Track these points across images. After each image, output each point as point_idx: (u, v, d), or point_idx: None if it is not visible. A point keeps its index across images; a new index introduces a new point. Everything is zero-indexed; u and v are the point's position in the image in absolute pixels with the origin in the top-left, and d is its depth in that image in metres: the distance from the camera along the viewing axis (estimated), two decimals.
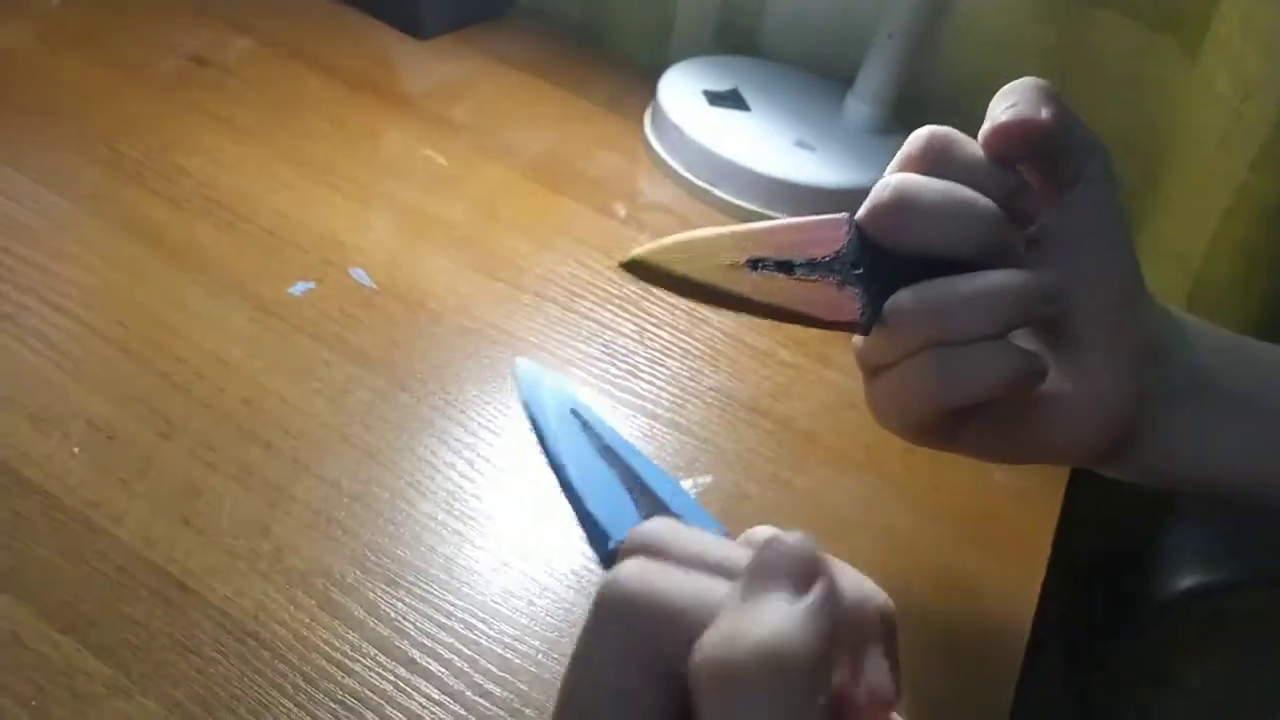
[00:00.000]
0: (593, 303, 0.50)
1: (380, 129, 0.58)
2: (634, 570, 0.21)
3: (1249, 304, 0.48)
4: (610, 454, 0.27)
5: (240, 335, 0.43)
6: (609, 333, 0.48)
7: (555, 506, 0.39)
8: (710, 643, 0.19)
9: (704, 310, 0.51)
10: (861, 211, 0.31)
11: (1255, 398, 0.35)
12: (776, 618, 0.18)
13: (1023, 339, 0.33)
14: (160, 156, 0.51)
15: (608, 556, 0.25)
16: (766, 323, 0.51)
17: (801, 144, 0.60)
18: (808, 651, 0.18)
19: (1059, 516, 0.45)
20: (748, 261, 0.30)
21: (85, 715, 0.29)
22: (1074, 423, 0.33)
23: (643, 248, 0.30)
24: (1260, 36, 0.45)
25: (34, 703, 0.29)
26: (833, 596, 0.19)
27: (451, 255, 0.50)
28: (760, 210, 0.58)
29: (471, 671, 0.33)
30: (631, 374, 0.47)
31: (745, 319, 0.51)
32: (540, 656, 0.34)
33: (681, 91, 0.62)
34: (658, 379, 0.47)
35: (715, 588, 0.20)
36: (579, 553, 0.38)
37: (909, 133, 0.66)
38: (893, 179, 0.31)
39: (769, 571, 0.19)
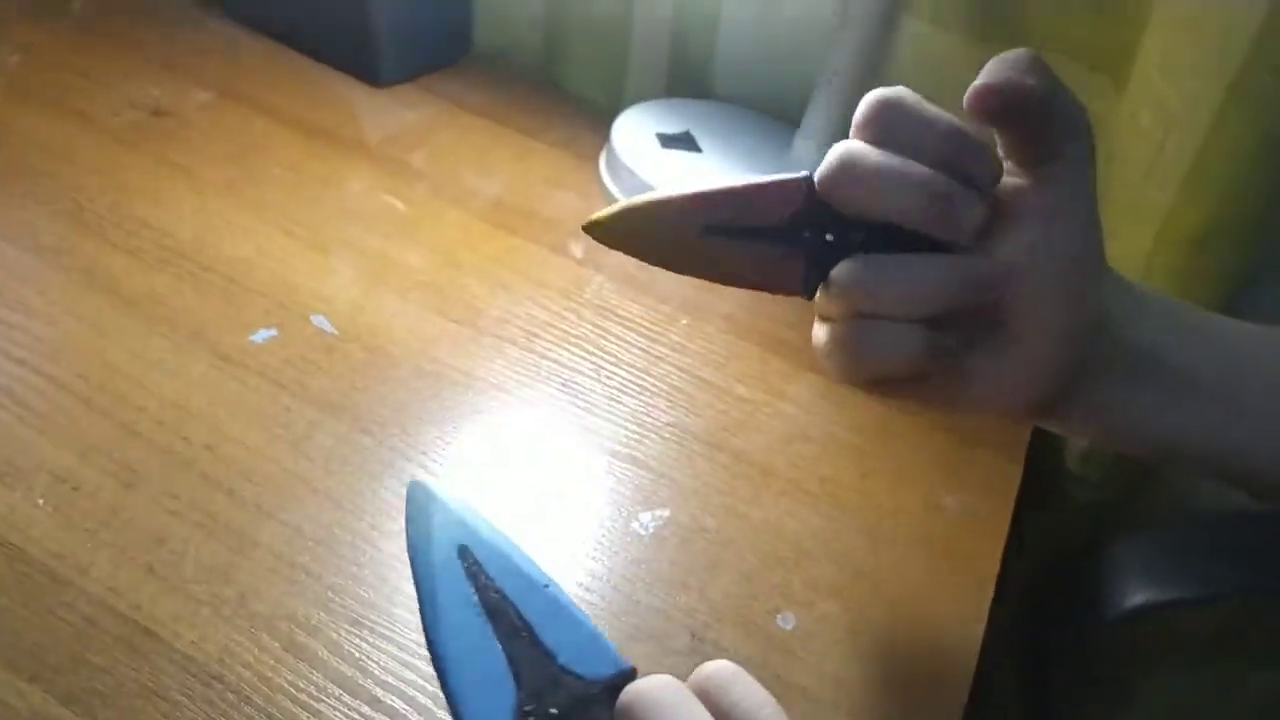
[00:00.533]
0: (550, 342, 0.51)
1: (339, 176, 0.59)
2: None
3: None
4: (500, 609, 0.26)
5: (202, 383, 0.44)
6: (567, 371, 0.50)
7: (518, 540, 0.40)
8: None
9: (660, 348, 0.53)
10: (815, 174, 0.32)
11: (1197, 374, 0.35)
12: None
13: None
14: (121, 208, 0.52)
15: None
16: (721, 359, 0.53)
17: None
18: None
19: (1006, 538, 0.47)
20: (702, 228, 0.31)
21: None
22: (999, 395, 0.34)
23: (603, 211, 0.32)
24: (1177, 75, 0.47)
25: None
26: None
27: (411, 299, 0.51)
28: None
29: (434, 707, 0.34)
30: (589, 411, 0.48)
31: (700, 349, 0.52)
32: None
33: (635, 134, 0.64)
34: (615, 416, 0.48)
35: None
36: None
37: None
38: (840, 145, 0.31)
39: None
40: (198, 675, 0.33)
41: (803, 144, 0.64)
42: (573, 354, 0.51)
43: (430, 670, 0.35)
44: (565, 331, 0.52)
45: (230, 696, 0.33)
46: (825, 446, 0.49)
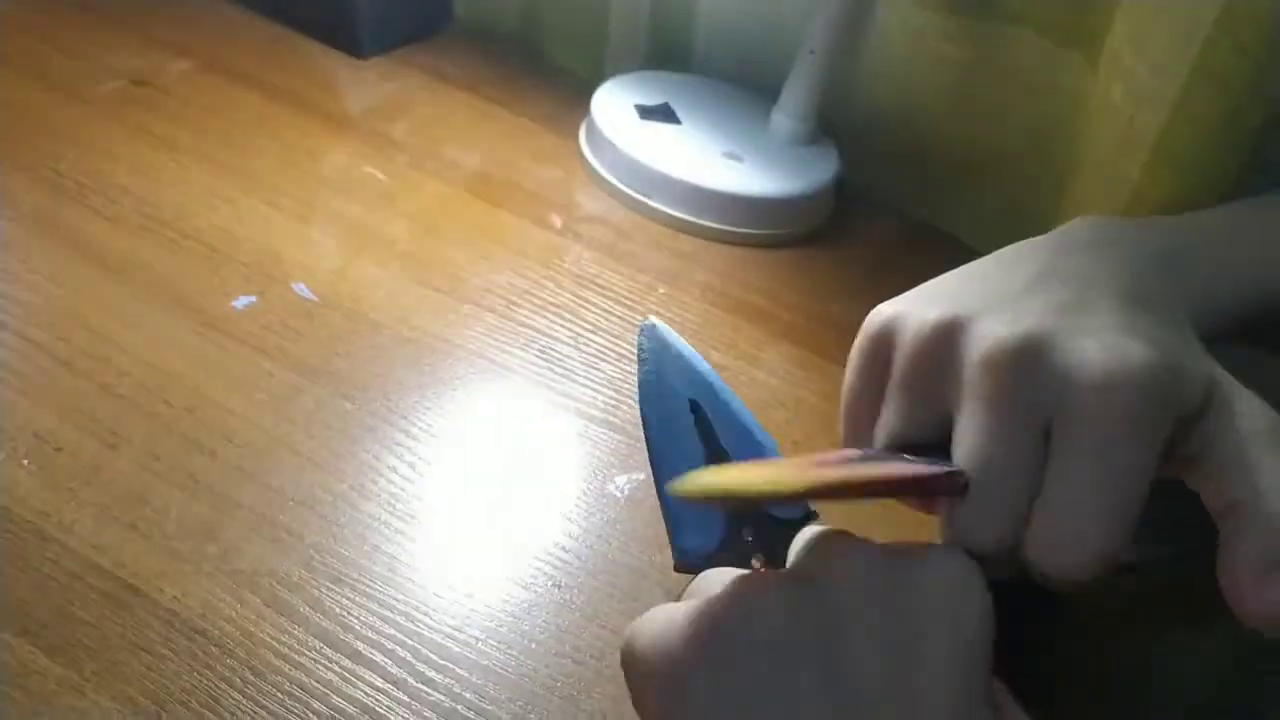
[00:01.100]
0: (530, 310, 0.52)
1: (320, 147, 0.59)
2: None
3: None
4: (715, 448, 0.29)
5: (183, 348, 0.44)
6: (545, 338, 0.50)
7: (492, 506, 0.41)
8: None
9: (638, 316, 0.53)
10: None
11: None
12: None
13: None
14: (101, 176, 0.52)
15: (675, 565, 0.30)
16: (697, 326, 0.54)
17: (730, 155, 0.63)
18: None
19: None
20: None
21: (40, 713, 0.31)
22: None
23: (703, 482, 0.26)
24: (1147, 53, 0.48)
25: None
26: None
27: (392, 268, 0.52)
28: (691, 219, 0.60)
29: (414, 660, 0.35)
30: (567, 378, 0.48)
31: (677, 316, 0.53)
32: (480, 645, 0.36)
33: (614, 106, 0.64)
34: (593, 382, 0.49)
35: None
36: (512, 547, 0.40)
37: (833, 143, 0.69)
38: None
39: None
40: (181, 630, 0.34)
41: (781, 117, 0.64)
42: (551, 322, 0.51)
43: (409, 625, 0.36)
44: (544, 300, 0.53)
45: (213, 650, 0.33)
46: (797, 412, 0.50)
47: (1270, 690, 0.62)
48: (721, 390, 0.29)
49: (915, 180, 0.67)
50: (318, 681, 0.33)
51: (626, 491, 0.44)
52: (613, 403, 0.48)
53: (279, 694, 0.33)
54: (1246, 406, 0.28)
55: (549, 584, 0.39)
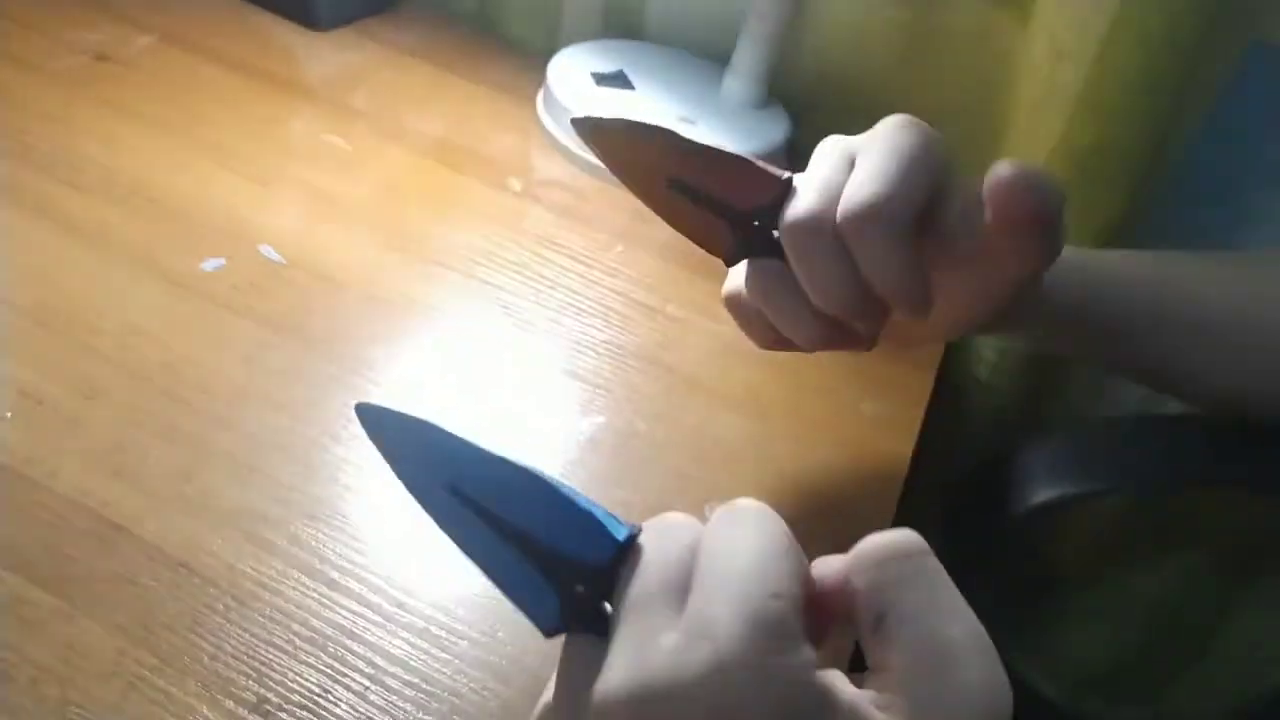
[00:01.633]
0: (492, 269, 0.54)
1: (281, 117, 0.61)
2: None
3: (1080, 237, 0.55)
4: (499, 525, 0.27)
5: (155, 307, 0.46)
6: (507, 295, 0.52)
7: None
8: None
9: (596, 273, 0.55)
10: (787, 218, 0.34)
11: (1137, 291, 0.41)
12: None
13: None
14: (68, 148, 0.54)
15: (545, 634, 0.26)
16: (654, 282, 0.56)
17: (684, 120, 0.65)
18: None
19: (917, 438, 0.51)
20: (670, 178, 0.35)
21: (33, 638, 0.32)
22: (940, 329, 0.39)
23: (602, 114, 0.35)
24: (1069, 10, 0.51)
25: None
26: None
27: (355, 231, 0.54)
28: None
29: (387, 587, 0.37)
30: (528, 331, 0.51)
31: (634, 273, 0.56)
32: (449, 572, 0.38)
33: (570, 74, 0.66)
34: (553, 335, 0.51)
35: None
36: None
37: (783, 106, 0.71)
38: (812, 242, 0.33)
39: None
40: (165, 564, 0.36)
41: (733, 81, 0.67)
42: (513, 279, 0.54)
43: (382, 554, 0.38)
44: (505, 259, 0.55)
45: (196, 581, 0.35)
46: (751, 360, 0.52)
47: (1224, 611, 0.66)
48: (462, 451, 0.27)
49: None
50: (297, 606, 0.35)
51: (588, 434, 0.46)
52: (573, 354, 0.50)
53: (261, 618, 0.35)
54: None
55: None
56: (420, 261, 0.53)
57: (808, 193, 0.34)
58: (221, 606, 0.35)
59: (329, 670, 0.34)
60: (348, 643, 0.35)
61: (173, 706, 0.32)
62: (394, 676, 0.34)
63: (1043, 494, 0.58)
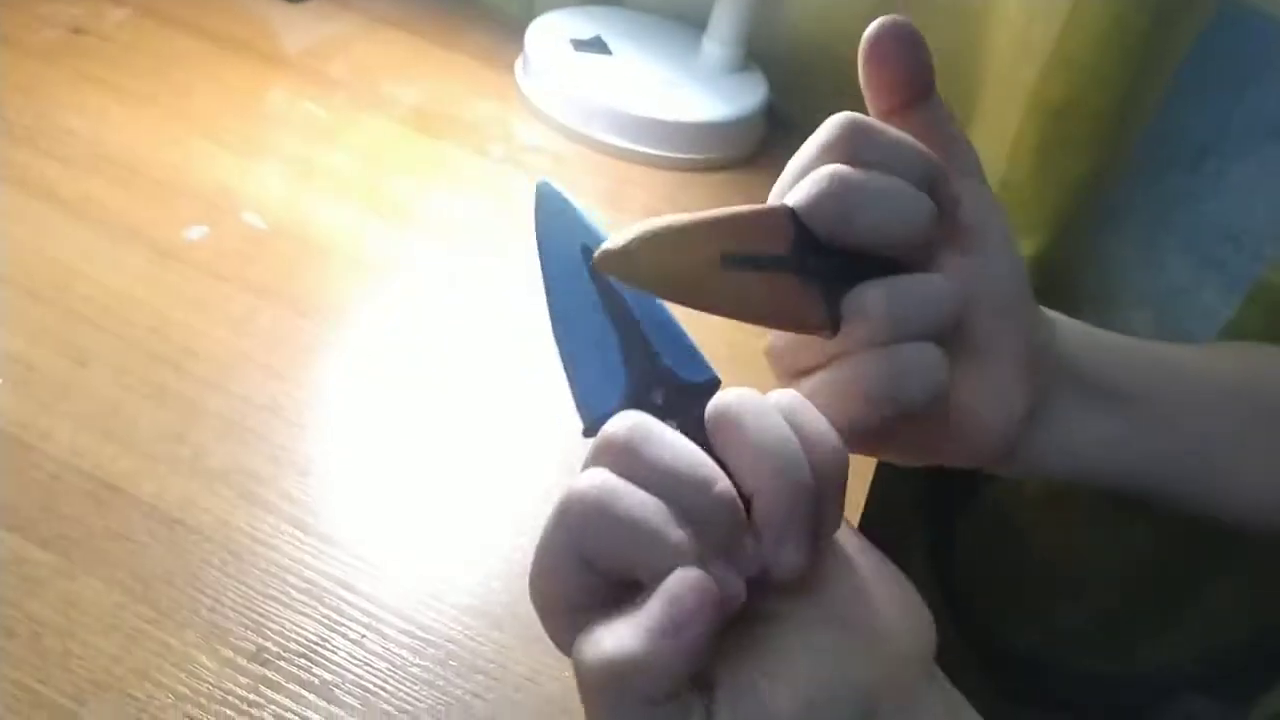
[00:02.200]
0: (474, 233, 0.54)
1: (260, 86, 0.61)
2: (592, 488, 0.24)
3: (1045, 198, 0.56)
4: (615, 306, 0.28)
5: (142, 275, 0.46)
6: (489, 259, 0.53)
7: (440, 407, 0.44)
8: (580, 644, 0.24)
9: None
10: (800, 201, 0.28)
11: (1115, 386, 0.37)
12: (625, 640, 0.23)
13: None
14: (48, 120, 0.54)
15: (585, 430, 0.27)
16: None
17: (662, 84, 0.65)
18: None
19: None
20: (721, 256, 0.28)
21: (34, 595, 0.33)
22: (986, 426, 0.32)
23: (619, 238, 0.26)
24: None
25: None
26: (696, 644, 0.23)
27: (338, 197, 0.54)
28: (628, 145, 0.63)
29: (382, 539, 0.38)
30: (511, 296, 0.51)
31: None
32: (439, 522, 0.39)
33: (548, 40, 0.66)
34: (538, 298, 0.51)
35: (659, 536, 0.23)
36: (460, 438, 0.43)
37: (761, 69, 0.72)
38: (831, 169, 0.28)
39: (662, 609, 0.23)
40: (161, 521, 0.36)
41: (710, 45, 0.67)
42: (496, 245, 0.54)
43: (375, 508, 0.39)
44: (489, 225, 0.55)
45: (192, 537, 0.36)
46: (728, 326, 0.53)
47: (1193, 575, 0.68)
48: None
49: (839, 103, 0.70)
50: (292, 559, 0.36)
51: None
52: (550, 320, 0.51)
53: (257, 571, 0.35)
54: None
55: (496, 466, 0.42)
56: (403, 226, 0.54)
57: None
58: (218, 561, 0.35)
59: (326, 620, 0.35)
60: (343, 593, 0.36)
61: (172, 657, 0.33)
62: (390, 625, 0.35)
63: None
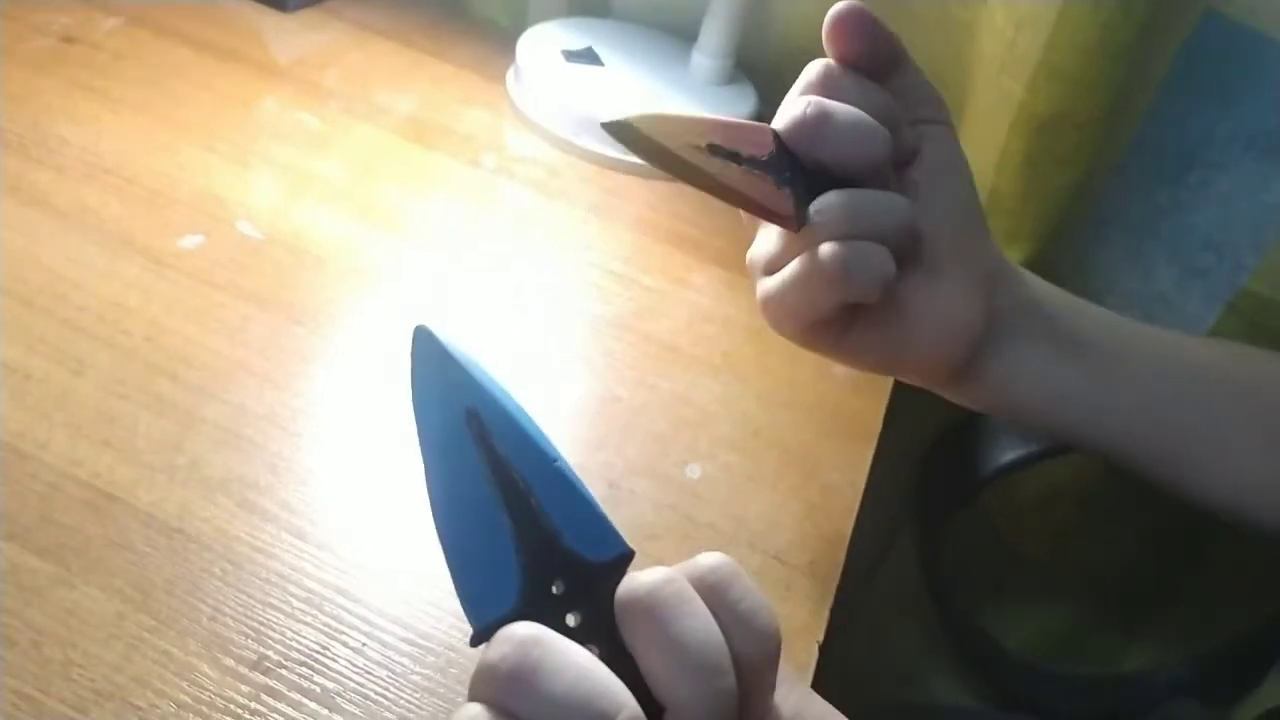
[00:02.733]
0: (467, 243, 0.55)
1: (252, 96, 0.61)
2: None
3: (1032, 208, 0.56)
4: (505, 478, 0.24)
5: (137, 284, 0.46)
6: (484, 269, 0.53)
7: None
8: None
9: (572, 246, 0.56)
10: (782, 123, 0.35)
11: (1084, 338, 0.40)
12: None
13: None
14: (41, 128, 0.53)
15: (472, 638, 0.24)
16: (629, 253, 0.57)
17: (652, 95, 0.66)
18: None
19: (889, 400, 0.52)
20: (708, 145, 0.34)
21: (33, 604, 0.33)
22: (935, 334, 0.38)
23: (625, 113, 0.33)
24: None
25: None
26: None
27: (332, 207, 0.54)
28: (619, 156, 0.63)
29: (381, 548, 0.38)
30: (506, 303, 0.51)
31: (609, 246, 0.56)
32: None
33: (540, 51, 0.67)
34: (532, 307, 0.52)
35: None
36: None
37: (750, 82, 0.72)
38: (813, 99, 0.34)
39: None
40: (159, 530, 0.36)
41: (700, 57, 0.68)
42: (489, 254, 0.54)
43: (374, 514, 0.39)
44: (480, 233, 0.56)
45: (192, 546, 0.36)
46: (726, 327, 0.54)
47: (1177, 579, 0.68)
48: (501, 396, 0.25)
49: None
50: (292, 568, 0.36)
51: (569, 401, 0.47)
52: (552, 324, 0.51)
53: (257, 580, 0.35)
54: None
55: None
56: (396, 236, 0.54)
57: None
58: (218, 570, 0.35)
59: (326, 628, 0.35)
60: (343, 601, 0.36)
61: (174, 665, 0.33)
62: (390, 632, 0.35)
63: (1011, 453, 0.60)
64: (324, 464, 0.40)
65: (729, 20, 0.66)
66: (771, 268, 0.37)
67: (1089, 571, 0.70)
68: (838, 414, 0.51)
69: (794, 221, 0.35)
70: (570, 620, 0.24)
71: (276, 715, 0.32)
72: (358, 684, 0.34)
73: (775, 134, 0.35)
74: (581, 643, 0.23)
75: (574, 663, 0.22)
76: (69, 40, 0.61)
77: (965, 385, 0.41)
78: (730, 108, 0.67)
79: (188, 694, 0.32)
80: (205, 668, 0.33)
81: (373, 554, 0.38)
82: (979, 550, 0.69)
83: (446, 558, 0.24)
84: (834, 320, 0.37)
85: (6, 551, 0.34)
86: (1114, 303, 0.61)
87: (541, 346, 0.50)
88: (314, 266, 0.50)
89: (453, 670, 0.35)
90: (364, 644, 0.35)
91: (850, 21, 0.35)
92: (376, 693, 0.34)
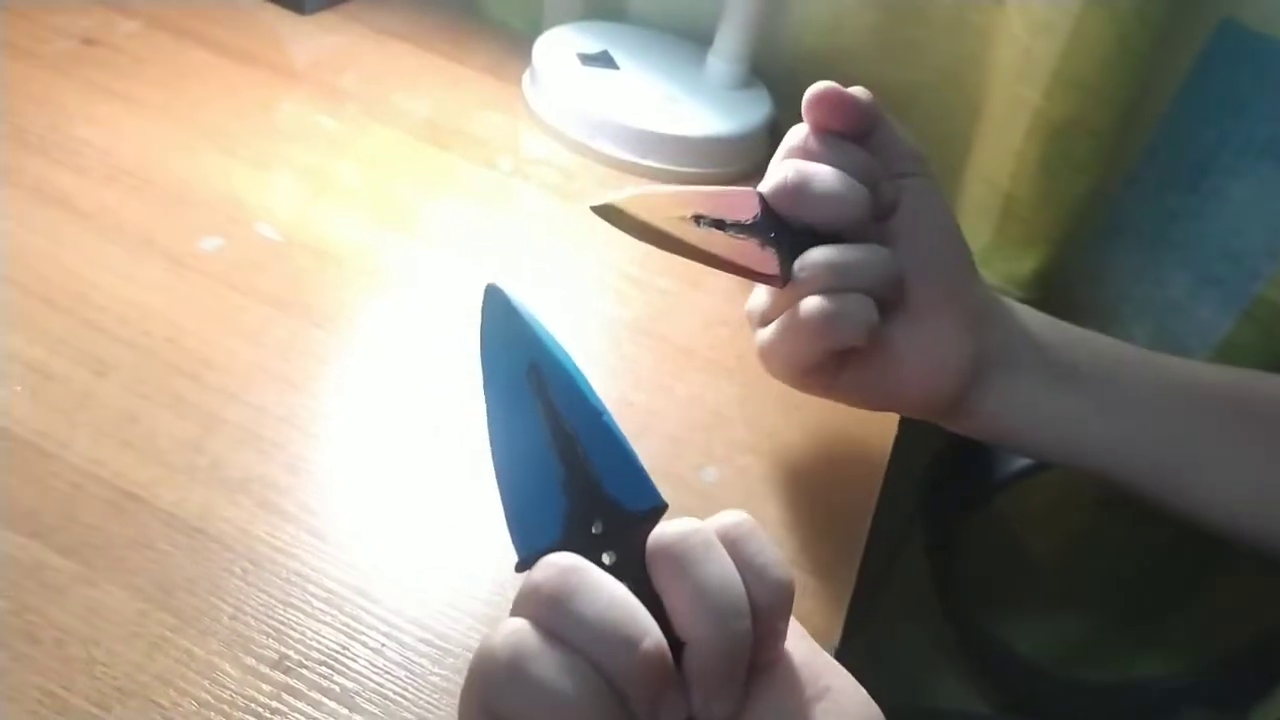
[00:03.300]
0: (484, 246, 0.55)
1: (271, 98, 0.61)
2: (505, 647, 0.24)
3: (1047, 214, 0.56)
4: (558, 426, 0.27)
5: (157, 285, 0.46)
6: (500, 271, 0.53)
7: (455, 418, 0.45)
8: None
9: (587, 250, 0.57)
10: (766, 187, 0.38)
11: (1078, 367, 0.42)
12: None
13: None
14: (62, 130, 0.54)
15: (518, 564, 0.27)
16: (643, 256, 0.57)
17: (668, 99, 0.66)
18: None
19: None
20: (693, 217, 0.37)
21: (56, 602, 0.33)
22: (923, 374, 0.40)
23: (610, 196, 0.37)
24: None
25: (10, 594, 0.33)
26: None
27: (350, 209, 0.55)
28: (634, 159, 0.64)
29: (400, 549, 0.38)
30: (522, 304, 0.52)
31: (624, 250, 0.57)
32: (457, 535, 0.39)
33: (556, 55, 0.67)
34: (547, 310, 0.52)
35: (570, 704, 0.23)
36: (473, 452, 0.43)
37: (765, 85, 0.73)
38: (794, 164, 0.38)
39: None
40: (181, 529, 0.37)
41: (716, 61, 0.68)
42: (505, 256, 0.55)
43: (393, 514, 0.39)
44: (498, 236, 0.56)
45: (213, 545, 0.36)
46: (741, 330, 0.54)
47: (1190, 586, 0.68)
48: (558, 352, 0.28)
49: None
50: (312, 569, 0.36)
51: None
52: (568, 327, 0.51)
53: (278, 580, 0.36)
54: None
55: None
56: (414, 238, 0.54)
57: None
58: (239, 570, 0.36)
59: (345, 628, 0.35)
60: (362, 601, 0.36)
61: (195, 664, 0.33)
62: (408, 633, 0.36)
63: (1022, 460, 0.60)
64: (343, 466, 0.41)
65: (744, 24, 0.66)
66: (765, 320, 0.41)
67: (1101, 578, 0.70)
68: (853, 417, 0.51)
69: (779, 279, 0.38)
70: (606, 559, 0.27)
71: (297, 714, 0.32)
72: (377, 684, 0.34)
73: (761, 197, 0.38)
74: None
75: (608, 591, 0.24)
76: (89, 43, 0.61)
77: (960, 418, 0.42)
78: (745, 111, 0.67)
79: (209, 692, 0.32)
80: (227, 666, 0.33)
81: (391, 555, 0.38)
82: (991, 556, 0.69)
83: (500, 491, 0.27)
84: (825, 365, 0.40)
85: (30, 550, 0.35)
86: (1128, 310, 0.62)
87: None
88: (332, 268, 0.50)
89: None
90: (383, 644, 0.35)
91: (827, 100, 0.38)
92: (395, 693, 0.34)
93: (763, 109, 0.68)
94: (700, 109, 0.66)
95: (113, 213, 0.50)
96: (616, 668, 0.24)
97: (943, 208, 0.41)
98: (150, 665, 0.33)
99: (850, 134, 0.39)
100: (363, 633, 0.35)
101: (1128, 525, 0.67)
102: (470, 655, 0.35)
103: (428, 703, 0.34)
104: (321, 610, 0.35)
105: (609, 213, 0.37)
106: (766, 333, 0.41)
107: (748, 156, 0.67)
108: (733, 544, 0.27)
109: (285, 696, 0.33)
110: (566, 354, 0.28)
